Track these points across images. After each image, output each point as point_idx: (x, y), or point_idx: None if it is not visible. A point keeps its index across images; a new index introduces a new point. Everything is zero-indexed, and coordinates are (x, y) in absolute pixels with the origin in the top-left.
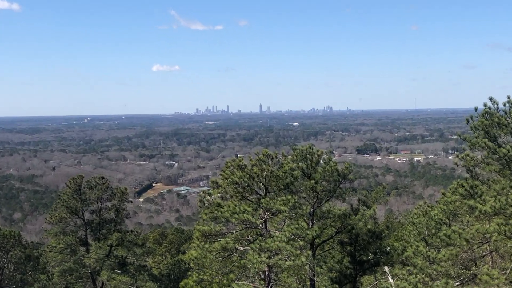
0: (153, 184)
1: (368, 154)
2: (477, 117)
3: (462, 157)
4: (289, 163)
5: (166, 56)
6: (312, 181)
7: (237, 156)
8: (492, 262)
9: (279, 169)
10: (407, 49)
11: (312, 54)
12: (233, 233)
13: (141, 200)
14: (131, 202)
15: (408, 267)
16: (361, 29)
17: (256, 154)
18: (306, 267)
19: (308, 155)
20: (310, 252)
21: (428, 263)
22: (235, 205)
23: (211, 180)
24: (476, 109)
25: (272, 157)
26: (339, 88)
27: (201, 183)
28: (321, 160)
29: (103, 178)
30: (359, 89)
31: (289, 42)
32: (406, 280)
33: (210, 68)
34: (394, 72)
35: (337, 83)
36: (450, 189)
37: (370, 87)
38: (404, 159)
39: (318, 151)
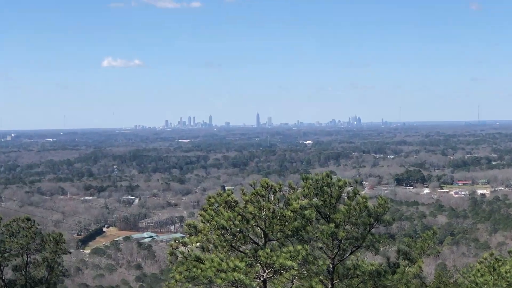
0: (104, 229)
1: (412, 186)
2: None
3: None
4: (298, 198)
5: (121, 46)
6: (332, 225)
7: (224, 189)
8: None
9: (284, 208)
10: (464, 36)
11: (331, 45)
12: None
13: (86, 251)
14: (70, 253)
15: None
16: (400, 9)
17: (251, 185)
18: None
19: (325, 188)
20: None
21: None
22: (221, 260)
23: (187, 223)
24: None
25: (275, 190)
26: (370, 91)
27: (172, 228)
28: (344, 195)
29: (29, 220)
30: (399, 94)
31: (300, 26)
32: None
33: (185, 62)
34: (447, 69)
35: (368, 84)
36: None
37: (414, 90)
38: (462, 193)
39: (340, 181)
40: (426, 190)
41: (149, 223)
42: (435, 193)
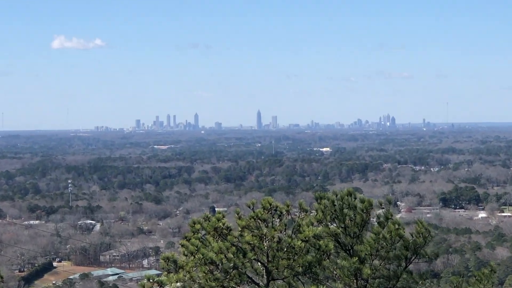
0: (55, 264)
1: (462, 208)
2: None
3: None
4: (312, 224)
5: (77, 22)
6: (355, 260)
7: (214, 212)
8: None
9: (293, 237)
10: None
11: (354, 21)
12: None
13: None
14: None
15: None
16: None
17: (250, 206)
18: None
19: (347, 210)
20: None
21: None
22: None
23: (164, 256)
24: None
25: (281, 213)
26: (407, 83)
27: (145, 263)
28: (373, 219)
29: None
30: (445, 86)
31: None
32: None
33: (163, 43)
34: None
35: (404, 73)
36: None
37: (466, 81)
38: None
39: (366, 202)
40: (482, 214)
41: (114, 256)
42: (494, 217)
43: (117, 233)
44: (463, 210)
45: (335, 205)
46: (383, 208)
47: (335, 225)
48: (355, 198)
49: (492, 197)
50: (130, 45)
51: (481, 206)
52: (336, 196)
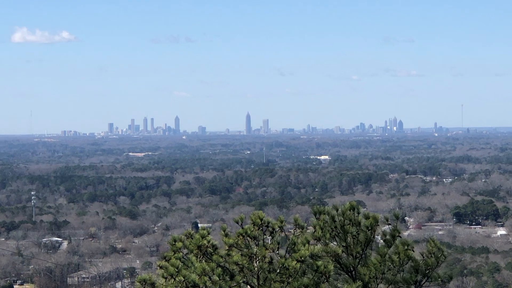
0: (16, 287)
1: (479, 224)
2: None
3: None
4: (308, 242)
5: (42, 12)
6: (359, 283)
7: (197, 228)
8: None
9: (287, 257)
10: None
11: (356, 12)
12: None
13: None
14: None
15: None
16: None
17: (238, 222)
18: None
19: (349, 227)
20: None
21: None
22: None
23: (141, 279)
24: None
25: (273, 229)
26: (417, 82)
27: (118, 286)
28: (378, 237)
29: None
30: (460, 85)
31: None
32: None
33: (137, 36)
34: None
35: (412, 71)
36: None
37: (483, 80)
38: None
39: (370, 217)
40: (501, 231)
41: (83, 278)
42: None
43: (87, 252)
44: (480, 226)
45: (335, 221)
46: (389, 224)
47: (335, 243)
48: (359, 213)
49: None
50: (101, 38)
51: (500, 222)
52: (337, 210)
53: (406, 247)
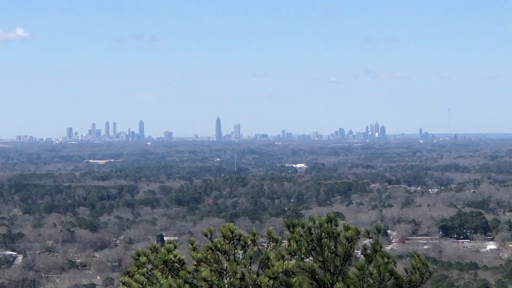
0: None
1: (466, 238)
2: None
3: None
4: (283, 257)
5: None
6: None
7: (163, 241)
8: None
9: (260, 272)
10: None
11: (334, 12)
12: None
13: None
14: None
15: None
16: None
17: (207, 235)
18: None
19: (326, 240)
20: None
21: None
22: None
23: None
24: None
25: (246, 243)
26: (400, 85)
27: None
28: (358, 252)
29: None
30: (446, 88)
31: None
32: None
33: (98, 34)
34: None
35: (395, 73)
36: None
37: (472, 83)
38: None
39: (349, 230)
40: (491, 246)
41: None
42: (505, 249)
43: (44, 267)
44: (468, 240)
45: (312, 233)
46: (370, 238)
47: (311, 258)
48: (337, 225)
49: (504, 224)
50: (60, 36)
51: (490, 235)
52: (314, 223)
53: (387, 261)
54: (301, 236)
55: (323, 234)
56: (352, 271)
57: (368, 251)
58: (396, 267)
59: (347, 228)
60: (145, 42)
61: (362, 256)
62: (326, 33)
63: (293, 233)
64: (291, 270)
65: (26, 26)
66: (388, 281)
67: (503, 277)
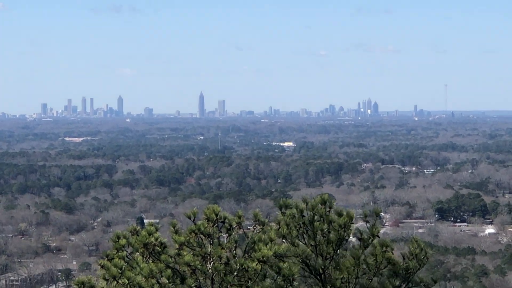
0: None
1: (464, 221)
2: None
3: None
4: (271, 241)
5: None
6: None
7: (143, 224)
8: None
9: (246, 257)
10: None
11: None
12: None
13: None
14: None
15: None
16: None
17: (190, 217)
18: None
19: (318, 223)
20: None
21: None
22: None
23: (78, 281)
24: None
25: (231, 226)
26: (394, 59)
27: None
28: (351, 237)
29: None
30: (443, 63)
31: None
32: None
33: (74, 4)
34: None
35: (389, 47)
36: None
37: (471, 57)
38: None
39: (341, 213)
40: (490, 230)
41: (12, 280)
42: (505, 234)
43: (16, 251)
44: (466, 224)
45: (304, 216)
46: (367, 221)
47: (302, 242)
48: (330, 207)
49: (503, 207)
50: (33, 6)
51: (489, 219)
52: (306, 204)
53: (383, 247)
54: (292, 218)
55: (315, 217)
56: (347, 256)
57: (363, 235)
58: (391, 253)
59: (339, 214)
60: (123, 13)
61: (358, 241)
62: (314, 3)
63: (284, 215)
64: (280, 254)
65: None
66: (383, 267)
67: (502, 263)
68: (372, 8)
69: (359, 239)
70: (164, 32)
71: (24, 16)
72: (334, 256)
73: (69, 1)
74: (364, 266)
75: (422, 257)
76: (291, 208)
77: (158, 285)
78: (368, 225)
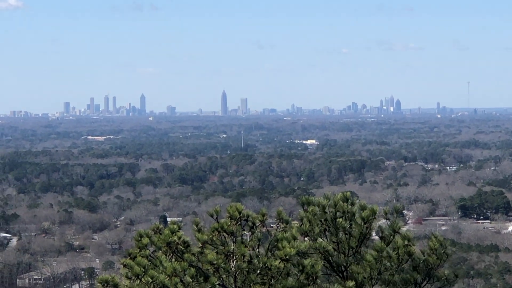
0: None
1: (487, 219)
2: None
3: None
4: (294, 239)
5: None
6: (351, 284)
7: (166, 222)
8: None
9: (269, 255)
10: None
11: None
12: None
13: None
14: None
15: None
16: None
17: (212, 215)
18: None
19: (341, 220)
20: None
21: None
22: None
23: (102, 279)
24: None
25: (254, 224)
26: (416, 56)
27: None
28: (373, 233)
29: None
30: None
31: None
32: None
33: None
34: None
35: (411, 44)
36: None
37: (494, 54)
38: None
39: (366, 209)
40: None
41: (36, 279)
42: None
43: (40, 250)
44: (489, 221)
45: (326, 212)
46: (388, 219)
47: (325, 239)
48: (352, 204)
49: None
50: (54, 5)
51: None
52: (328, 201)
53: (406, 243)
54: (314, 215)
55: (337, 213)
56: (369, 252)
57: (386, 232)
58: (413, 248)
59: (363, 208)
60: (145, 12)
61: (377, 238)
62: (336, 1)
63: (307, 212)
64: (303, 251)
65: None
66: (405, 263)
67: None
68: (393, 6)
69: (381, 238)
70: (185, 30)
71: (45, 15)
72: (356, 253)
73: (90, 0)
74: (386, 262)
75: (443, 252)
76: (313, 205)
77: (181, 283)
78: (389, 222)
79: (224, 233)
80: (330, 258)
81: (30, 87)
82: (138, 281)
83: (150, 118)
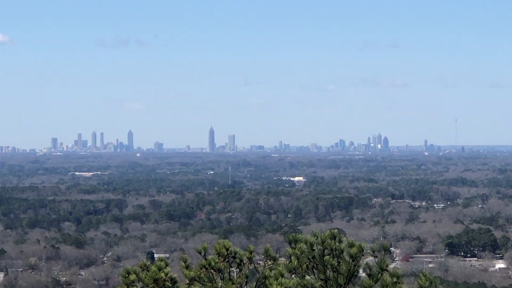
0: None
1: (474, 256)
2: None
3: None
4: (282, 276)
5: None
6: None
7: (153, 259)
8: None
9: None
10: None
11: (333, 14)
12: None
13: None
14: None
15: None
16: None
17: (200, 252)
18: None
19: (329, 258)
20: None
21: None
22: None
23: None
24: None
25: (241, 261)
26: (403, 93)
27: None
28: (360, 271)
29: None
30: (453, 97)
31: None
32: None
33: (82, 38)
34: None
35: (398, 81)
36: None
37: (481, 91)
38: None
39: (353, 246)
40: (500, 264)
41: None
42: None
43: (26, 286)
44: (476, 259)
45: (314, 250)
46: (375, 256)
47: (313, 277)
48: (340, 242)
49: None
50: (40, 40)
51: (499, 253)
52: (316, 238)
53: (395, 280)
54: (302, 252)
55: (325, 251)
56: None
57: (374, 269)
58: (403, 287)
59: (351, 245)
60: (130, 47)
61: (364, 275)
62: (322, 38)
63: (295, 249)
64: None
65: (4, 30)
66: None
67: None
68: (379, 43)
69: (368, 275)
70: (172, 66)
71: (32, 50)
72: None
73: (75, 35)
74: None
75: None
76: (301, 242)
77: None
78: (377, 259)
79: (212, 270)
80: None
81: (17, 122)
82: None
83: (138, 154)
